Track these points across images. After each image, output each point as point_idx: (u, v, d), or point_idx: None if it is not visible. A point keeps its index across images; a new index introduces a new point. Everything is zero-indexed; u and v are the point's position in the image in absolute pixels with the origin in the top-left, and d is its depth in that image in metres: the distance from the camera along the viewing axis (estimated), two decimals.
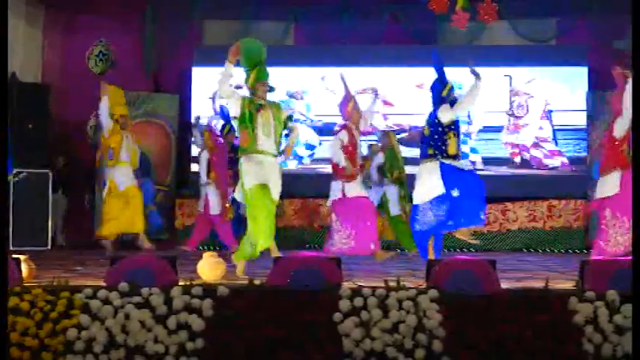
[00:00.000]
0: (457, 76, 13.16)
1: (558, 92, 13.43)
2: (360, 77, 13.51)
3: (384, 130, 11.69)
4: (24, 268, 6.80)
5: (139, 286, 6.13)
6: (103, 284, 6.32)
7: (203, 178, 11.12)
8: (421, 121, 13.28)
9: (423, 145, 8.74)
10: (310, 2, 13.57)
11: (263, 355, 5.80)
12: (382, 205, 11.11)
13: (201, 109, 13.71)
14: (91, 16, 13.69)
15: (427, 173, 8.56)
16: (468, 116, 13.21)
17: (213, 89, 13.60)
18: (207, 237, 11.49)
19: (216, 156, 11.05)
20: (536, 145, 13.48)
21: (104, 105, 10.57)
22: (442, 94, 8.68)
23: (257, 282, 6.38)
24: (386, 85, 13.38)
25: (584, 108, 13.13)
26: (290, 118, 8.17)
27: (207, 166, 11.07)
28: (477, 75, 8.47)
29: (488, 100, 13.14)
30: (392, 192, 11.10)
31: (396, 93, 13.42)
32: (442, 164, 8.46)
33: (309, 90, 13.56)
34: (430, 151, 8.56)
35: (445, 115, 8.52)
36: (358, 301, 5.98)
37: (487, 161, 13.21)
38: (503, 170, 13.38)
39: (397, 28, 13.67)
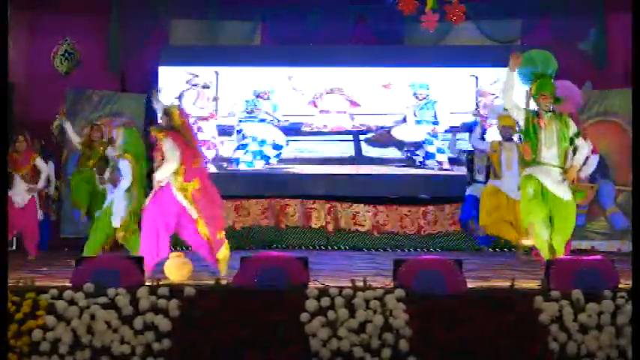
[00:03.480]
0: (423, 76, 13.31)
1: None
2: (327, 77, 13.50)
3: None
4: None
5: (104, 286, 6.11)
6: (69, 285, 6.29)
7: None
8: (388, 121, 13.39)
9: None
10: (277, 2, 13.54)
11: (230, 355, 5.80)
12: None
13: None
14: (56, 16, 13.55)
15: None
16: (435, 116, 13.29)
17: (179, 89, 13.64)
18: None
19: None
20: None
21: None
22: None
23: (223, 282, 6.38)
24: (353, 85, 13.42)
25: None
26: (577, 134, 8.11)
27: None
28: None
29: (454, 100, 13.22)
30: None
31: (363, 93, 13.43)
32: None
33: (276, 90, 13.52)
34: None
35: None
36: (325, 301, 6.00)
37: (453, 161, 13.23)
38: None
39: (364, 28, 13.68)
